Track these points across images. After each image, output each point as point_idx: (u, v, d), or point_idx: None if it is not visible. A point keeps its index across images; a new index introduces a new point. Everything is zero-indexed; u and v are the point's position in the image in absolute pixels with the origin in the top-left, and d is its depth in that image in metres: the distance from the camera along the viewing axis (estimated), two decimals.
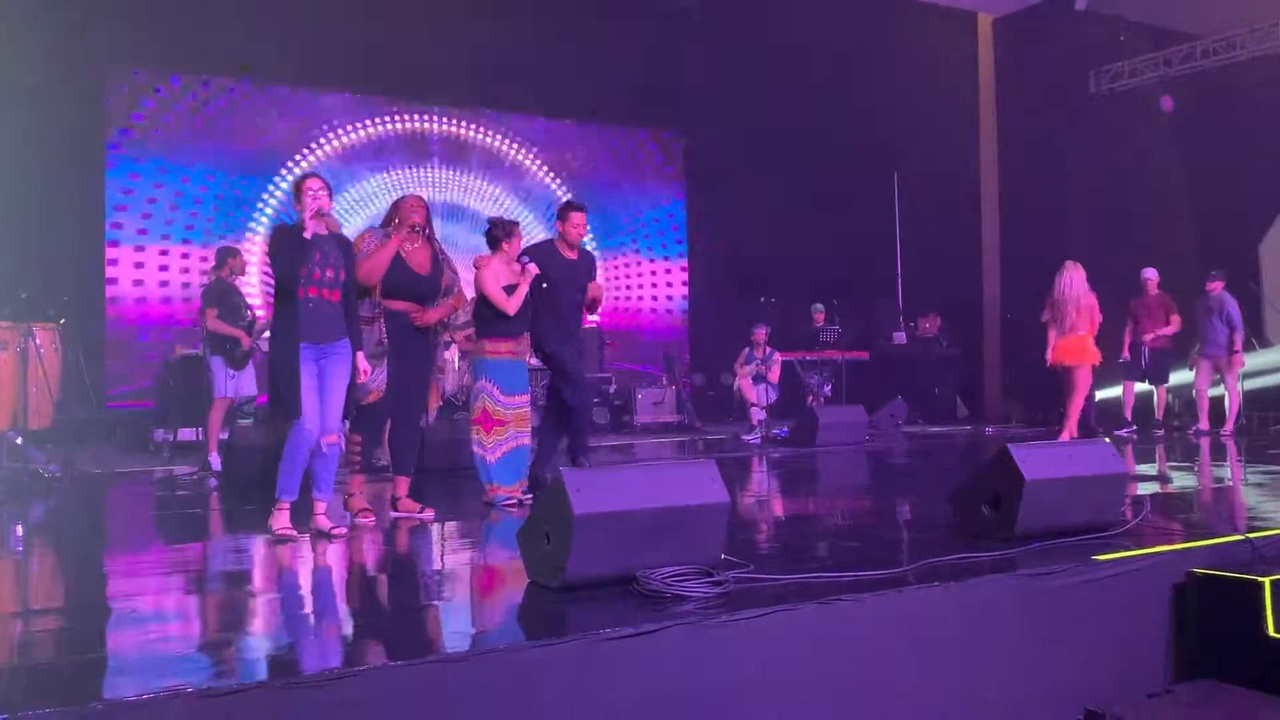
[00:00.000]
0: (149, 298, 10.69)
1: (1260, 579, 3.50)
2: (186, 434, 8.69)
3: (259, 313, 8.35)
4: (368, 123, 12.01)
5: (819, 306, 11.94)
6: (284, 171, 11.35)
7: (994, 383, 13.18)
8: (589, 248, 6.12)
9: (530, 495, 5.46)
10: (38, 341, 6.93)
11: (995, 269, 13.31)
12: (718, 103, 12.87)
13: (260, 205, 11.28)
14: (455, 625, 3.13)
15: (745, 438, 9.92)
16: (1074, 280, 8.30)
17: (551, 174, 13.18)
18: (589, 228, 6.29)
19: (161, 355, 9.63)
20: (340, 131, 11.82)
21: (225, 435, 7.29)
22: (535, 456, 5.81)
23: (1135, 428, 9.82)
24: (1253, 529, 4.21)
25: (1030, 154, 12.52)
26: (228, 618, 3.27)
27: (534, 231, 11.75)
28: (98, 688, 2.42)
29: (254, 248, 10.82)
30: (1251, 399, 10.16)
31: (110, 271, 10.51)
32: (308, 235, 4.37)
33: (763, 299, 12.19)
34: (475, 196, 12.58)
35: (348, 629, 3.15)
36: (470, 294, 5.72)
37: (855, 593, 3.10)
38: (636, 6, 12.03)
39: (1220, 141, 10.96)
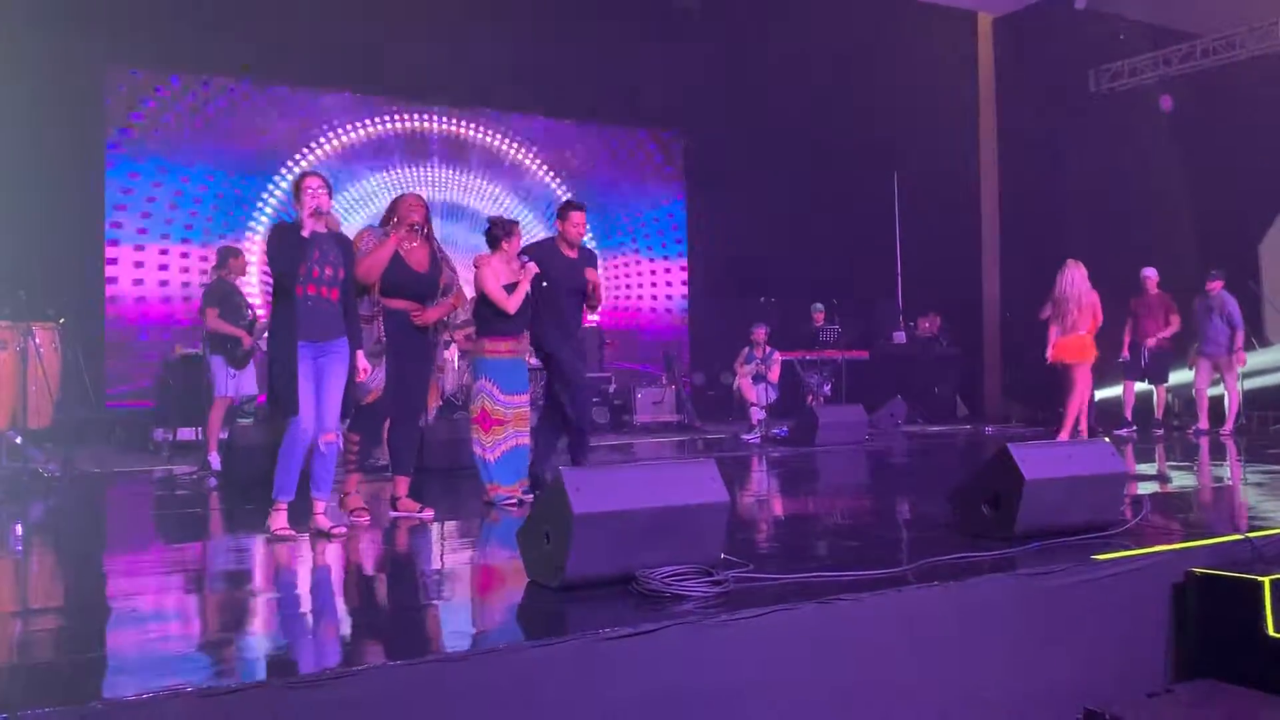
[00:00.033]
0: (148, 297, 10.69)
1: (1260, 578, 3.50)
2: (186, 433, 8.69)
3: (260, 312, 8.35)
4: (367, 122, 12.00)
5: (819, 306, 11.94)
6: (284, 171, 11.35)
7: (994, 382, 13.19)
8: (589, 246, 6.09)
9: (530, 494, 5.46)
10: (37, 341, 6.93)
11: (995, 268, 13.32)
12: (718, 103, 12.86)
13: (260, 205, 11.27)
14: (455, 625, 3.13)
15: (745, 437, 9.92)
16: (1075, 278, 8.28)
17: (551, 173, 13.18)
18: (589, 227, 6.28)
19: (161, 355, 9.63)
20: (340, 131, 11.82)
21: (225, 435, 7.29)
22: (534, 456, 5.81)
23: (1135, 427, 9.82)
24: (1252, 528, 4.21)
25: (1030, 153, 12.53)
26: (227, 617, 3.27)
27: (534, 231, 11.75)
28: (97, 687, 2.42)
29: (254, 247, 10.82)
30: (1251, 398, 10.16)
31: (110, 271, 10.51)
32: (306, 233, 4.36)
33: (762, 298, 12.20)
34: (475, 196, 12.57)
35: (347, 628, 3.15)
36: (470, 293, 5.72)
37: (855, 592, 3.10)
38: (637, 6, 12.03)
39: (1220, 141, 10.96)
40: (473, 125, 12.68)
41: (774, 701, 2.87)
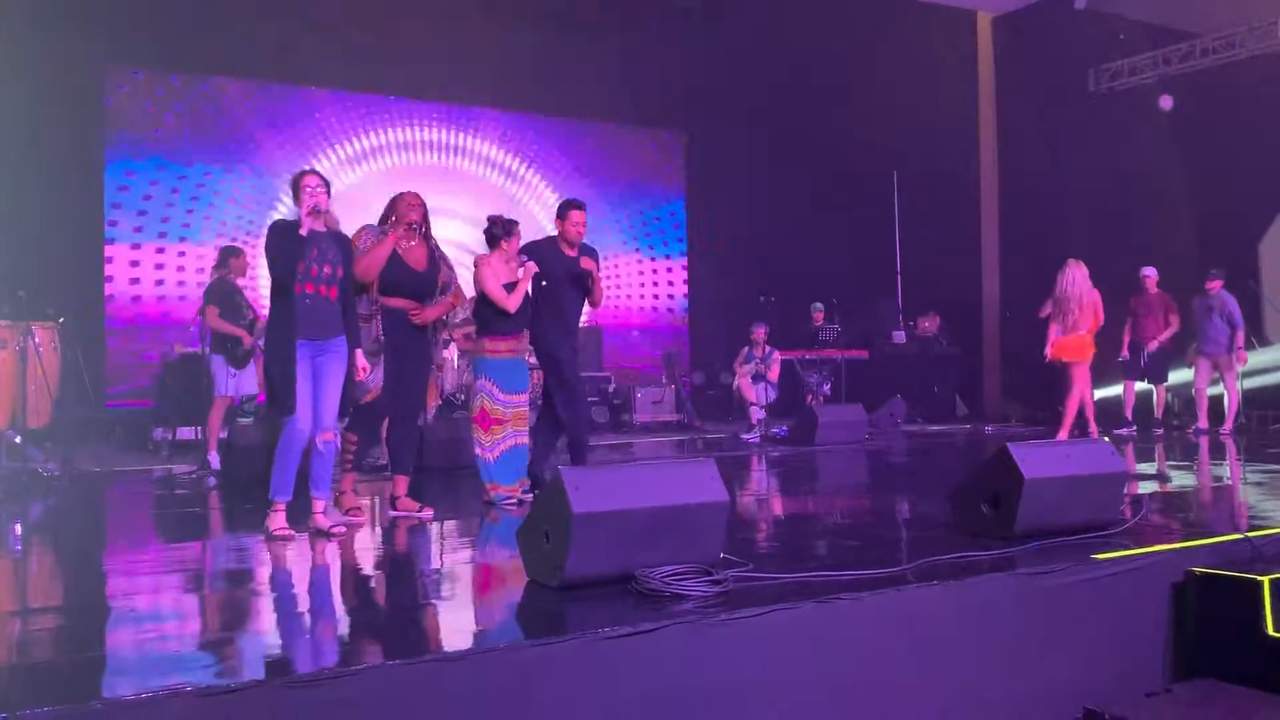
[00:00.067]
0: (148, 297, 10.69)
1: (1259, 578, 3.50)
2: (186, 433, 8.69)
3: (262, 312, 8.36)
4: (367, 121, 12.00)
5: (818, 305, 11.94)
6: (283, 170, 11.34)
7: (993, 382, 13.19)
8: (590, 244, 6.06)
9: (530, 494, 5.45)
10: (37, 340, 6.93)
11: (995, 267, 13.31)
12: (718, 102, 12.86)
13: (260, 204, 11.27)
14: (454, 624, 3.13)
15: (744, 437, 9.92)
16: (1076, 278, 8.26)
17: (551, 172, 13.17)
18: (588, 226, 6.25)
19: (160, 354, 9.63)
20: (339, 130, 11.81)
21: (225, 434, 7.29)
22: (533, 455, 5.81)
23: (1135, 427, 9.82)
24: (1252, 528, 4.21)
25: (1029, 153, 12.53)
26: (226, 617, 3.27)
27: (534, 231, 11.74)
28: (96, 686, 2.42)
29: (255, 247, 10.81)
30: (1251, 398, 10.16)
31: (109, 270, 10.51)
32: (304, 232, 4.36)
33: (762, 298, 12.19)
34: (474, 195, 12.57)
35: (346, 628, 3.15)
36: (469, 292, 5.72)
37: (854, 591, 3.10)
38: (637, 6, 12.03)
39: (1220, 140, 10.96)
40: (473, 124, 12.68)
41: (774, 701, 2.87)
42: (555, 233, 5.91)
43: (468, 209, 12.40)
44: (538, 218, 12.66)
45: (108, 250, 10.52)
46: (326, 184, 4.49)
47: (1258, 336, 10.44)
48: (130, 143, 10.64)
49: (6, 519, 5.31)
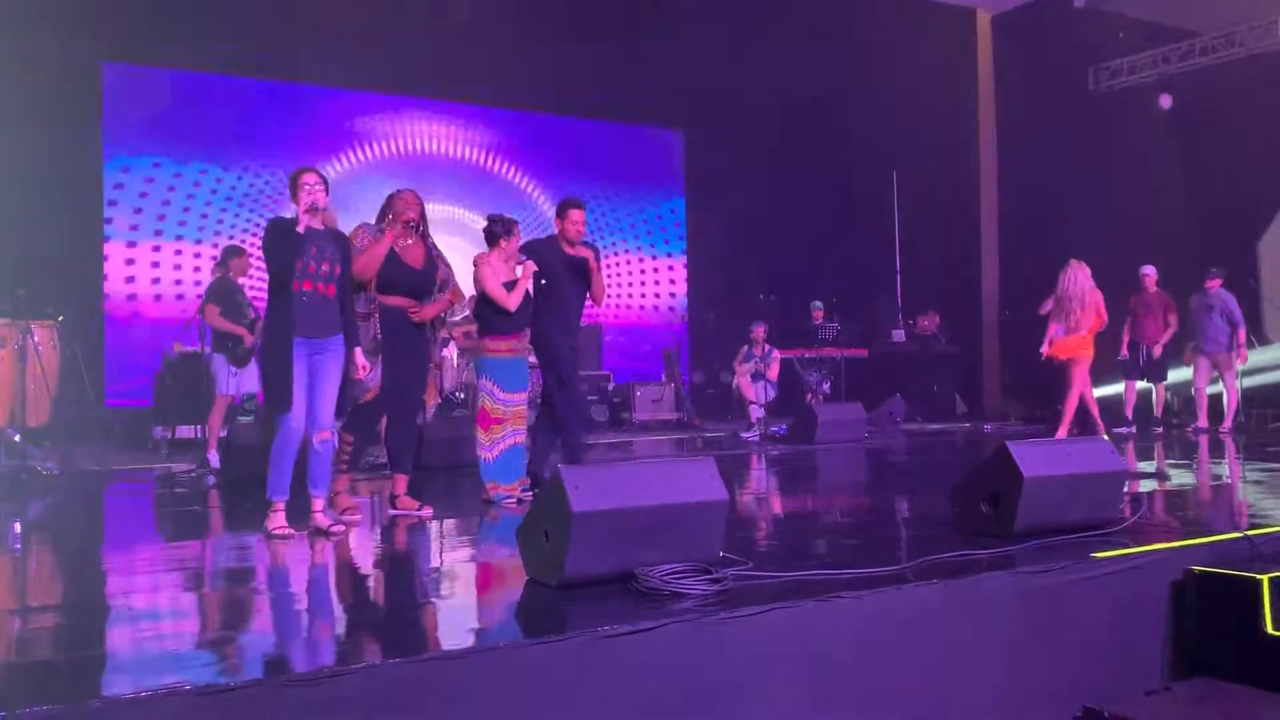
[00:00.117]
0: (147, 295, 10.68)
1: (1259, 576, 3.50)
2: (185, 431, 8.69)
3: (262, 311, 8.35)
4: (367, 119, 11.99)
5: (818, 304, 11.95)
6: (283, 169, 11.34)
7: (993, 380, 13.20)
8: (590, 242, 6.05)
9: (529, 493, 5.45)
10: (36, 339, 6.92)
11: (994, 266, 13.32)
12: (718, 101, 12.86)
13: (259, 203, 11.26)
14: (454, 623, 3.13)
15: (744, 435, 9.92)
16: (1078, 278, 8.23)
17: (551, 171, 13.16)
18: (588, 225, 6.25)
19: (160, 353, 9.62)
20: (338, 128, 11.80)
21: (224, 433, 7.30)
22: (532, 454, 5.81)
23: (1134, 426, 9.82)
24: (1251, 526, 4.21)
25: (1029, 151, 12.53)
26: (225, 615, 3.27)
27: (534, 230, 11.74)
28: (96, 685, 2.42)
29: (255, 245, 10.82)
30: (1250, 396, 10.17)
31: (109, 269, 10.50)
32: (302, 229, 4.35)
33: (762, 296, 12.20)
34: (474, 194, 12.56)
35: (345, 626, 3.15)
36: (469, 291, 5.71)
37: (854, 590, 3.10)
38: (638, 5, 12.01)
39: (1219, 139, 10.96)
40: (472, 123, 12.67)
41: (773, 699, 2.88)
42: (555, 231, 5.91)
43: (467, 208, 12.40)
44: (537, 217, 12.65)
45: (106, 249, 10.52)
46: (324, 182, 4.48)
47: (1257, 335, 10.44)
48: (129, 141, 10.62)
49: (6, 518, 5.31)
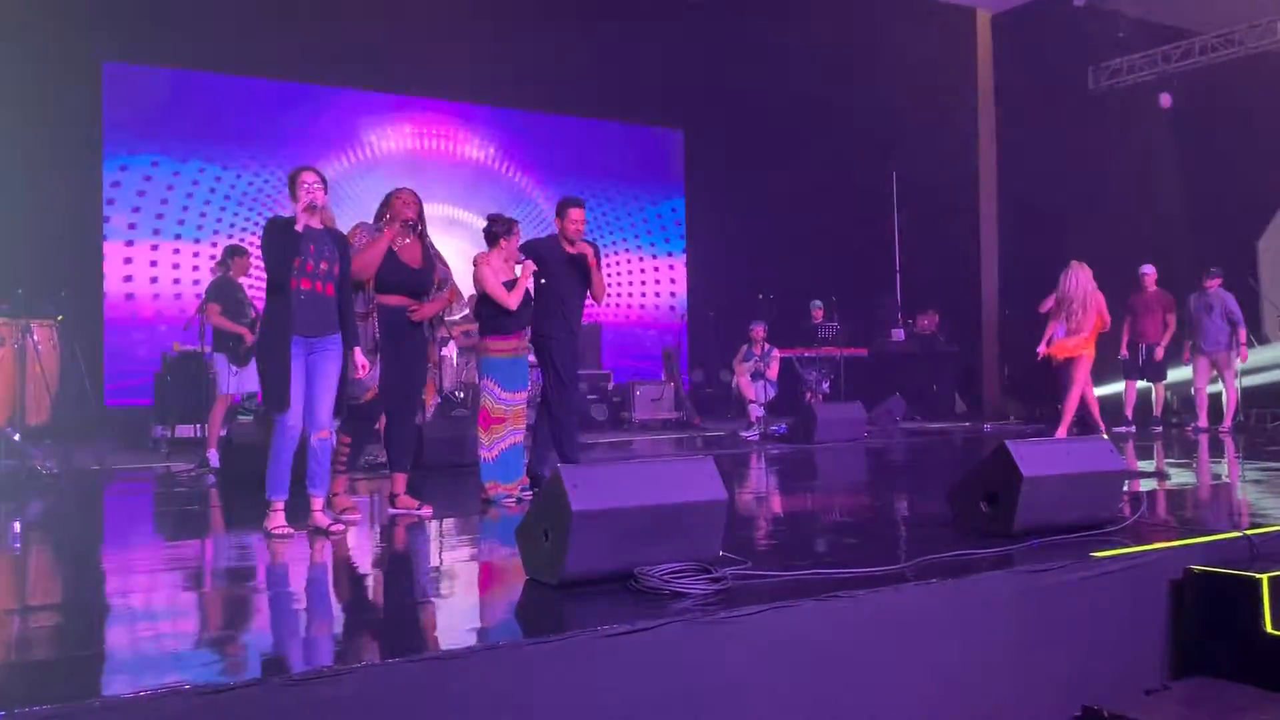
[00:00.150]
0: (147, 294, 10.68)
1: (1258, 576, 3.50)
2: (185, 431, 8.69)
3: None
4: (366, 118, 11.99)
5: (817, 303, 11.95)
6: (282, 168, 11.34)
7: (992, 379, 13.19)
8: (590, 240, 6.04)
9: (529, 492, 5.46)
10: (35, 338, 6.92)
11: (993, 266, 13.31)
12: (718, 100, 12.86)
13: (259, 202, 11.26)
14: (453, 622, 3.14)
15: (744, 434, 9.92)
16: (1079, 279, 8.22)
17: (551, 170, 13.16)
18: (588, 224, 6.25)
19: (160, 352, 9.63)
20: (338, 127, 11.80)
21: (224, 432, 7.30)
22: (532, 454, 5.81)
23: (1134, 426, 9.82)
24: (1251, 526, 4.22)
25: (1029, 151, 12.52)
26: (225, 615, 3.27)
27: (534, 230, 11.74)
28: (95, 685, 2.42)
29: (255, 244, 10.82)
30: (1250, 395, 10.17)
31: (108, 268, 10.50)
32: (300, 228, 4.35)
33: (761, 295, 12.19)
34: (473, 193, 12.56)
35: (345, 626, 3.15)
36: (467, 291, 5.71)
37: (853, 589, 3.10)
38: (638, 4, 12.01)
39: (1219, 138, 10.96)
40: (472, 121, 12.67)
41: (773, 698, 2.88)
42: (555, 230, 5.91)
43: (467, 208, 12.40)
44: (537, 216, 12.65)
45: (106, 248, 10.52)
46: (323, 180, 4.48)
47: (1256, 334, 10.44)
48: (130, 139, 10.63)
49: (5, 517, 5.31)
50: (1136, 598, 3.61)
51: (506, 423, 5.50)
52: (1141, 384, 10.08)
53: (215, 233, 10.92)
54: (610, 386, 11.69)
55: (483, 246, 5.63)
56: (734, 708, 2.81)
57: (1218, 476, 6.74)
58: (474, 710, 2.50)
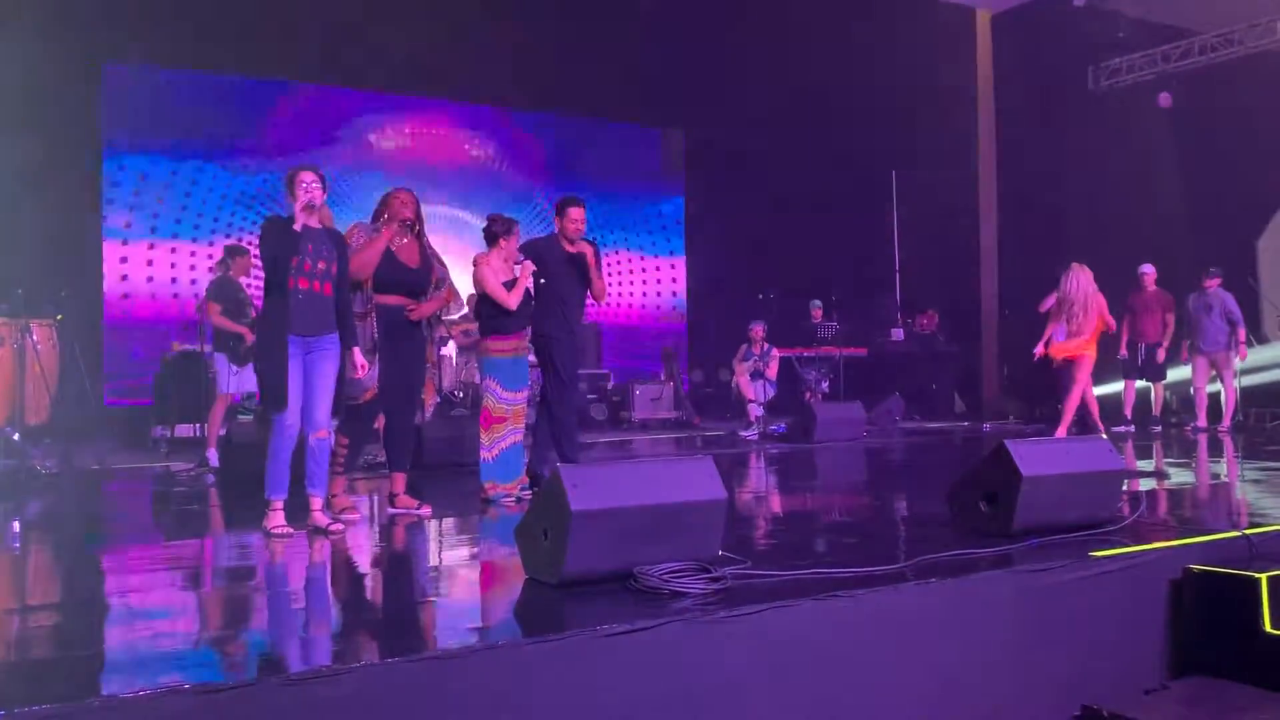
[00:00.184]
0: (147, 294, 10.68)
1: (1257, 575, 3.50)
2: (184, 430, 8.69)
3: None
4: (366, 117, 11.98)
5: (817, 303, 11.94)
6: (280, 168, 11.33)
7: (992, 379, 13.19)
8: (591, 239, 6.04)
9: (528, 492, 5.46)
10: (35, 338, 6.92)
11: (993, 265, 13.31)
12: (717, 100, 12.85)
13: (260, 202, 11.26)
14: (453, 621, 3.14)
15: (743, 434, 9.92)
16: (1081, 281, 8.20)
17: (551, 170, 13.16)
18: (588, 223, 6.24)
19: (160, 351, 9.63)
20: (338, 126, 11.80)
21: (224, 432, 7.30)
22: (532, 453, 5.81)
23: (1133, 426, 9.82)
24: (1250, 525, 4.22)
25: (1028, 150, 12.52)
26: (225, 614, 3.27)
27: (534, 229, 11.74)
28: (95, 684, 2.42)
29: (255, 244, 10.82)
30: (1249, 395, 10.17)
31: (108, 268, 10.50)
32: (298, 227, 4.35)
33: (761, 295, 12.19)
34: (473, 194, 12.56)
35: (344, 625, 3.15)
36: (468, 291, 5.70)
37: (853, 589, 3.10)
38: (639, 4, 12.00)
39: (1219, 137, 10.96)
40: (472, 121, 12.66)
41: (772, 698, 2.88)
42: (555, 230, 5.90)
43: (467, 208, 12.40)
44: (537, 216, 12.64)
45: (105, 247, 10.51)
46: (321, 180, 4.47)
47: (1255, 334, 10.45)
48: (130, 139, 10.62)
49: (5, 516, 5.30)
50: (1136, 597, 3.62)
51: (508, 422, 5.50)
52: (1141, 384, 10.08)
53: (214, 232, 10.92)
54: (610, 386, 11.69)
55: (483, 246, 5.63)
56: (733, 707, 2.82)
57: (1217, 476, 6.74)
58: (473, 710, 2.50)
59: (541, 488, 3.66)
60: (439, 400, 8.78)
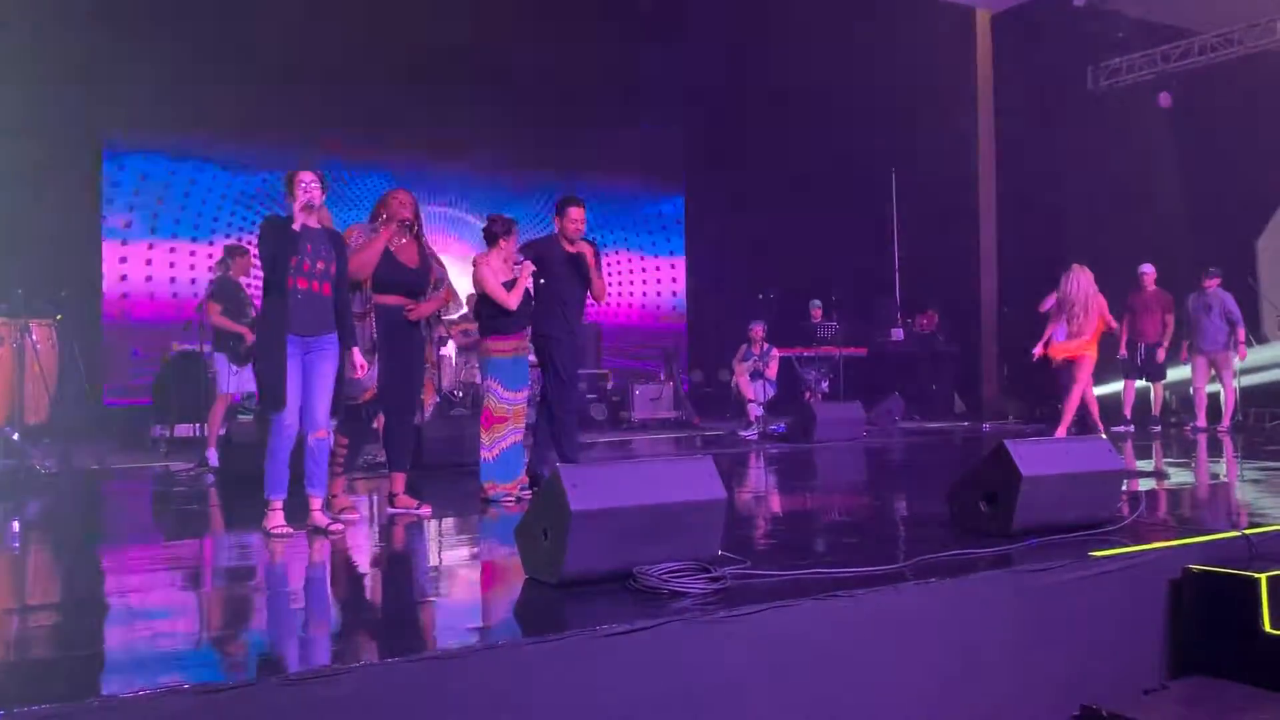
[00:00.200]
0: (146, 294, 10.67)
1: (1256, 575, 3.50)
2: (184, 430, 8.69)
3: None
4: (363, 116, 11.95)
5: (817, 302, 11.94)
6: (281, 168, 11.31)
7: (991, 379, 13.19)
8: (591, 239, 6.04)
9: (528, 491, 5.46)
10: (35, 338, 6.92)
11: (992, 265, 13.31)
12: (716, 99, 12.86)
13: (260, 202, 11.25)
14: (452, 621, 3.14)
15: (743, 434, 9.92)
16: (1081, 282, 8.20)
17: (550, 170, 13.15)
18: (588, 223, 6.24)
19: (159, 351, 9.63)
20: (338, 126, 11.77)
21: (224, 431, 7.30)
22: (532, 454, 5.81)
23: (1132, 425, 9.82)
24: (1249, 525, 4.22)
25: (1028, 150, 12.52)
26: (224, 614, 3.27)
27: (533, 229, 11.74)
28: (95, 684, 2.42)
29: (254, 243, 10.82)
30: (1248, 395, 10.18)
31: (107, 268, 10.50)
32: (297, 227, 4.35)
33: (760, 295, 12.19)
34: (473, 193, 12.55)
35: (343, 625, 3.15)
36: (468, 291, 5.70)
37: (852, 589, 3.10)
38: (639, 4, 12.00)
39: (1218, 137, 10.96)
40: (472, 121, 12.64)
41: (772, 697, 2.88)
42: (555, 230, 5.90)
43: (467, 208, 12.39)
44: (537, 216, 12.64)
45: (105, 247, 10.51)
46: (321, 180, 4.47)
47: (1255, 334, 10.45)
48: (130, 139, 10.62)
49: (4, 516, 5.30)
50: (1135, 597, 3.62)
51: (509, 422, 5.51)
52: (1140, 384, 10.08)
53: (214, 232, 10.91)
54: (609, 386, 11.69)
55: (483, 246, 5.63)
56: (733, 707, 2.82)
57: (1216, 476, 6.74)
58: (473, 710, 2.50)
59: (541, 488, 3.66)
60: (438, 400, 8.78)
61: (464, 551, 4.49)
